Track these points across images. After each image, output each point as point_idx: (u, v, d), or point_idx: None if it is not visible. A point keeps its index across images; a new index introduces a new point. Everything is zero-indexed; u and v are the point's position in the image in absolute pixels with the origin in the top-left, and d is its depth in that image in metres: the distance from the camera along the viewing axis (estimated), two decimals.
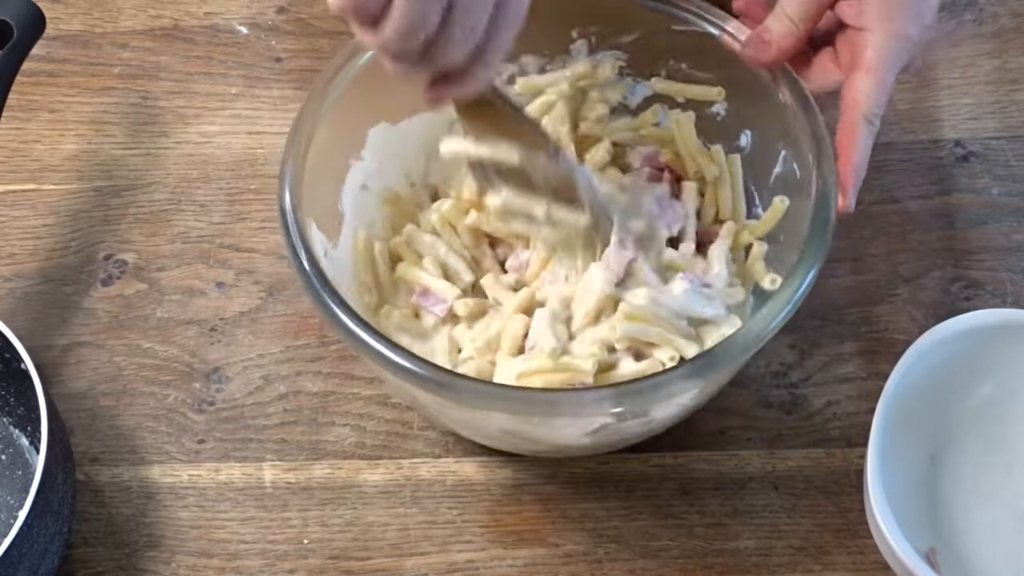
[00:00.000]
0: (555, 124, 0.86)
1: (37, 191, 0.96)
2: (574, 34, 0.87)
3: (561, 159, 0.81)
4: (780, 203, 0.83)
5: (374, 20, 0.68)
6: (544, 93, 0.87)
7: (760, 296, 0.82)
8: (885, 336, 0.88)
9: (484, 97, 0.76)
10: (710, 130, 0.87)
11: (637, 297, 0.79)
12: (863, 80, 0.78)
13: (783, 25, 0.80)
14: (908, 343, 0.81)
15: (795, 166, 0.81)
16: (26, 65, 0.88)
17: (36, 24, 0.88)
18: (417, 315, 0.83)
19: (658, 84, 0.87)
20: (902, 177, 0.94)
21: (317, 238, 0.79)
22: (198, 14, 1.04)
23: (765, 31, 0.80)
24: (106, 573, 0.82)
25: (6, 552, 0.73)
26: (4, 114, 0.86)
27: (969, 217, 0.93)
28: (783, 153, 0.82)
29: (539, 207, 0.80)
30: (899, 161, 0.95)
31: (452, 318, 0.83)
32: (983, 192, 0.93)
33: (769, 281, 0.81)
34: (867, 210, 0.93)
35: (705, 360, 0.73)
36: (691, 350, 0.77)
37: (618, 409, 0.74)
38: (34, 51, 0.89)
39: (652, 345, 0.78)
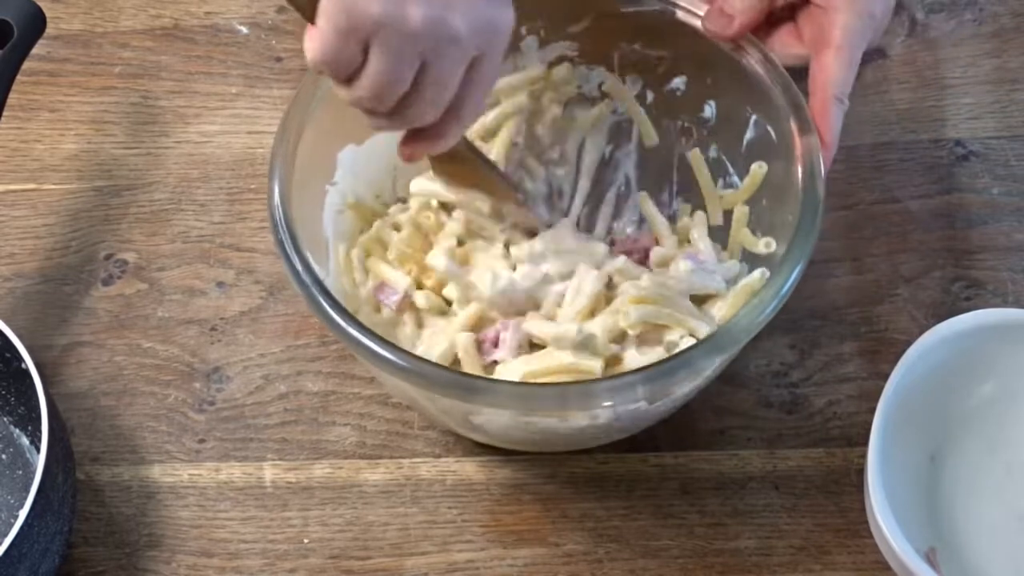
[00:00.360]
0: (510, 136, 0.86)
1: (37, 191, 0.96)
2: (523, 30, 0.86)
3: (529, 209, 0.83)
4: (758, 168, 0.83)
5: (348, 78, 0.69)
6: (499, 103, 0.87)
7: (753, 262, 0.82)
8: (885, 336, 0.88)
9: (456, 150, 0.77)
10: (672, 106, 0.87)
11: (641, 282, 0.79)
12: (833, 59, 0.78)
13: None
14: (908, 343, 0.81)
15: (768, 128, 0.81)
16: (26, 65, 0.88)
17: (36, 24, 0.88)
18: (379, 310, 0.83)
19: (608, 78, 0.88)
20: (902, 177, 0.94)
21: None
22: (198, 14, 1.04)
23: (727, 4, 0.81)
24: (106, 572, 0.82)
25: (7, 551, 0.73)
26: (4, 114, 0.86)
27: (969, 217, 0.92)
28: (753, 118, 0.82)
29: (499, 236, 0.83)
30: (899, 161, 0.95)
31: (413, 310, 0.83)
32: (983, 192, 0.93)
33: (764, 245, 0.81)
34: (867, 210, 0.93)
35: (726, 334, 0.73)
36: (703, 328, 0.78)
37: (648, 392, 0.73)
38: (34, 51, 0.89)
39: (661, 329, 0.79)
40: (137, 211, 0.95)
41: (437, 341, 0.81)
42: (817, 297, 0.88)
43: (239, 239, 0.94)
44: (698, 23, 0.82)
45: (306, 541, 0.83)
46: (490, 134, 0.86)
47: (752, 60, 0.81)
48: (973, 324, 0.82)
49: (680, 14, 0.82)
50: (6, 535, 0.73)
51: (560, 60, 0.87)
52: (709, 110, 0.86)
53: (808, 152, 0.78)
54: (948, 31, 1.00)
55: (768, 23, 0.82)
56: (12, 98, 0.87)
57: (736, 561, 0.81)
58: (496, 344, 0.80)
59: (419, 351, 0.80)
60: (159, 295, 0.92)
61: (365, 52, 0.68)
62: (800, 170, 0.77)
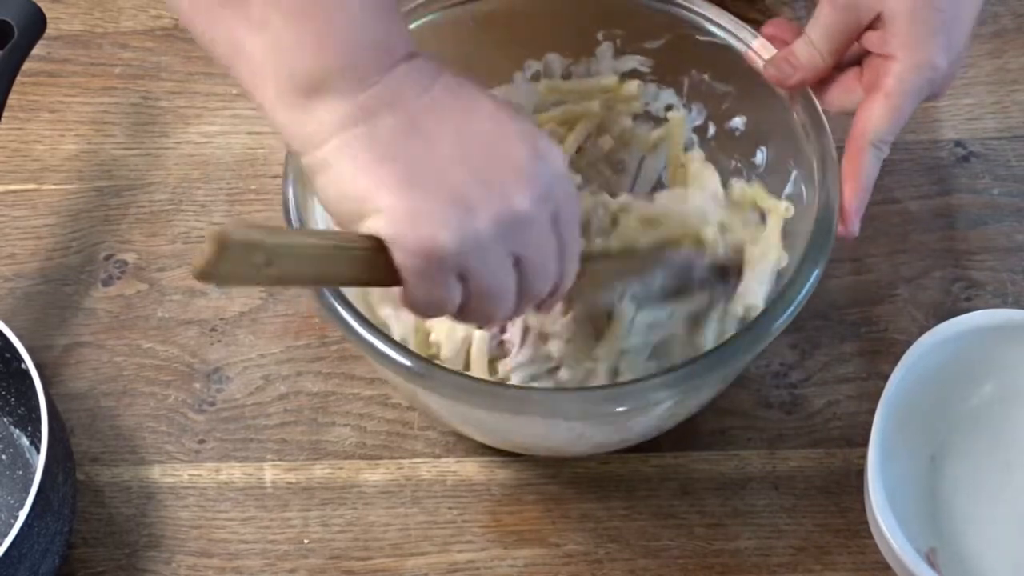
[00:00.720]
0: (576, 140, 0.87)
1: (38, 191, 0.96)
2: (600, 36, 0.86)
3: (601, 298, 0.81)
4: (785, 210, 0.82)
5: (457, 315, 0.68)
6: (567, 101, 0.87)
7: None
8: (886, 336, 0.88)
9: None
10: (727, 144, 0.87)
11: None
12: (877, 104, 0.76)
13: (810, 53, 0.79)
14: (909, 343, 0.81)
15: (803, 187, 0.80)
16: (27, 65, 0.88)
17: (37, 24, 0.88)
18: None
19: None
20: (903, 177, 0.94)
21: None
22: None
23: (792, 55, 0.79)
24: (106, 573, 0.82)
25: (7, 552, 0.73)
26: (5, 114, 0.86)
27: (970, 217, 0.93)
28: (794, 173, 0.81)
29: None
30: (899, 161, 0.95)
31: None
32: (984, 192, 0.93)
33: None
34: (867, 210, 0.92)
35: (732, 346, 0.73)
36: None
37: (677, 394, 0.74)
38: (35, 51, 0.89)
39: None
40: (137, 211, 0.95)
41: (449, 331, 0.81)
42: (817, 297, 0.87)
43: None
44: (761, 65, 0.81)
45: (306, 541, 0.83)
46: (557, 136, 0.87)
47: (800, 112, 0.80)
48: (973, 324, 0.82)
49: (750, 55, 0.82)
50: (6, 535, 0.73)
51: (632, 74, 0.87)
52: (761, 156, 0.85)
53: (824, 205, 0.77)
54: None
55: (837, 68, 0.80)
56: (12, 98, 0.87)
57: (736, 561, 0.81)
58: (503, 330, 0.80)
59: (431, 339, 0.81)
60: (159, 295, 0.92)
61: (461, 279, 0.65)
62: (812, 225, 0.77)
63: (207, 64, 1.01)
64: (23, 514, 0.73)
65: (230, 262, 0.59)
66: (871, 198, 0.92)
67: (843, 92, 0.79)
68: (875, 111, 0.76)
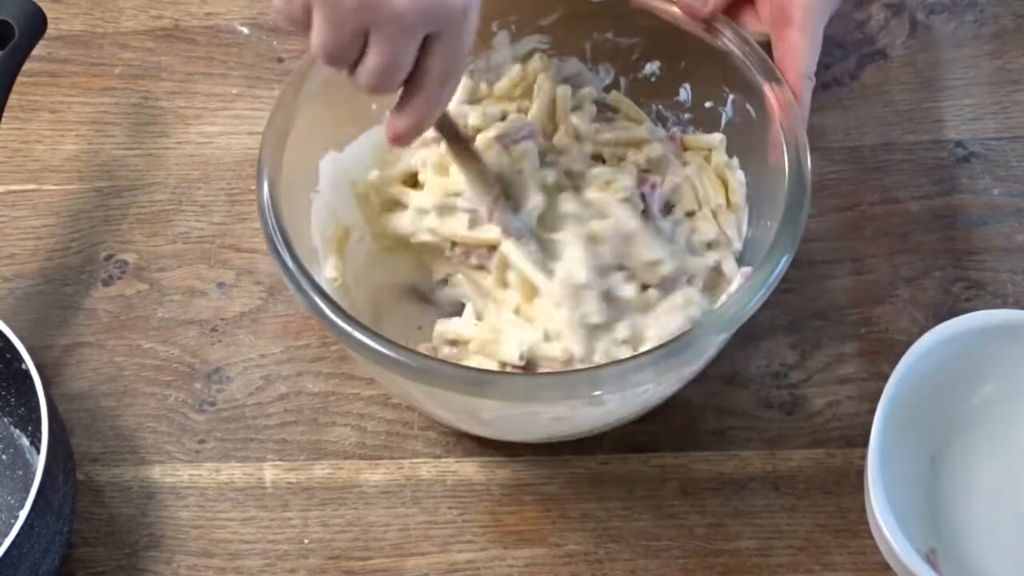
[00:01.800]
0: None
1: (38, 191, 0.96)
2: (494, 27, 0.87)
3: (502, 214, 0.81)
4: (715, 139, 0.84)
5: (351, 65, 0.71)
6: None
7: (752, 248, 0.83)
8: (886, 336, 0.88)
9: (444, 130, 0.77)
10: (646, 91, 0.87)
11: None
12: (798, 38, 0.79)
13: None
14: (909, 344, 0.81)
15: (748, 107, 0.81)
16: (27, 65, 0.88)
17: (37, 24, 0.88)
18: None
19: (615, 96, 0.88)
20: (903, 178, 0.94)
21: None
22: (199, 14, 1.04)
23: None
24: (107, 573, 0.82)
25: (7, 552, 0.73)
26: (5, 114, 0.86)
27: (970, 218, 0.93)
28: (731, 98, 0.83)
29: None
30: (900, 162, 0.95)
31: None
32: (984, 193, 0.93)
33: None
34: (868, 211, 0.93)
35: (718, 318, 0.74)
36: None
37: (661, 374, 0.74)
38: (35, 51, 0.89)
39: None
40: (137, 212, 0.95)
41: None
42: (817, 297, 0.88)
43: (239, 240, 0.94)
44: (668, 8, 0.83)
45: (306, 541, 0.83)
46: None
47: (726, 40, 0.81)
48: (973, 325, 0.82)
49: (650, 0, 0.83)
50: (6, 535, 0.73)
51: (532, 53, 0.87)
52: (684, 94, 0.86)
53: (792, 127, 0.78)
54: (949, 32, 1.01)
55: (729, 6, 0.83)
56: (13, 99, 0.87)
57: (736, 561, 0.81)
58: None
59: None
60: (159, 296, 0.92)
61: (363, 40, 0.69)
62: (785, 148, 0.78)
63: (207, 64, 1.01)
64: (23, 514, 0.73)
65: None
66: (871, 197, 0.93)
67: (748, 17, 0.83)
68: (796, 45, 0.79)
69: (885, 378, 0.80)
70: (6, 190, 0.97)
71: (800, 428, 0.85)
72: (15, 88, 0.87)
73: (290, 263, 0.75)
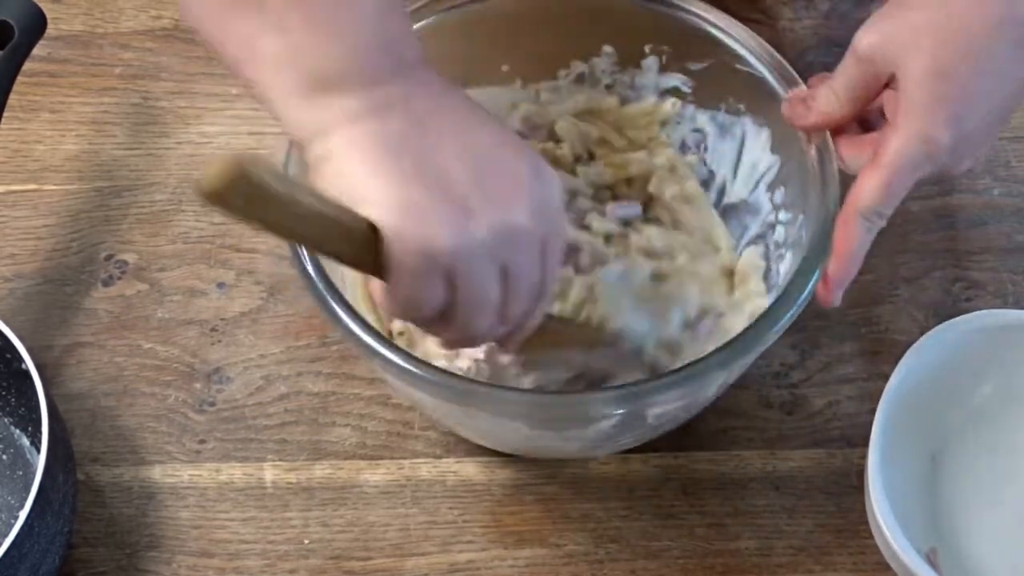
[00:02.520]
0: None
1: (38, 191, 0.96)
2: (647, 49, 0.87)
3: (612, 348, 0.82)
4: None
5: (434, 321, 0.68)
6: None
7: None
8: (886, 336, 0.88)
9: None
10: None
11: None
12: (870, 176, 0.73)
13: (827, 98, 0.76)
14: (909, 343, 0.81)
15: (803, 233, 0.80)
16: (27, 65, 0.88)
17: (37, 24, 0.88)
18: None
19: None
20: None
21: None
22: None
23: (811, 97, 0.77)
24: (107, 573, 0.82)
25: (7, 552, 0.73)
26: (5, 114, 0.86)
27: (970, 218, 0.93)
28: (801, 218, 0.81)
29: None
30: None
31: None
32: (984, 193, 0.93)
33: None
34: None
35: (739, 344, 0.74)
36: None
37: (683, 395, 0.74)
38: (35, 51, 0.89)
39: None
40: (138, 212, 0.95)
41: None
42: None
43: (239, 240, 0.94)
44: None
45: (306, 542, 0.83)
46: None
47: (813, 158, 0.79)
48: (973, 325, 0.82)
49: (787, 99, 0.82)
50: (6, 535, 0.73)
51: (674, 92, 0.88)
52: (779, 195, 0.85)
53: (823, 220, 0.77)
54: None
55: (862, 129, 0.78)
56: (13, 99, 0.87)
57: (736, 562, 0.81)
58: None
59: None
60: (159, 296, 0.92)
61: (448, 286, 0.66)
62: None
63: (207, 64, 1.01)
64: (23, 514, 0.73)
65: (235, 192, 0.59)
66: None
67: (853, 150, 0.76)
68: (867, 181, 0.73)
69: (885, 378, 0.80)
70: (6, 190, 0.97)
71: (800, 428, 0.85)
72: (15, 88, 0.87)
73: (312, 272, 0.75)
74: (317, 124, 0.65)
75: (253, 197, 0.60)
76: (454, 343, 0.71)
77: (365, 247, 0.64)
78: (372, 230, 0.64)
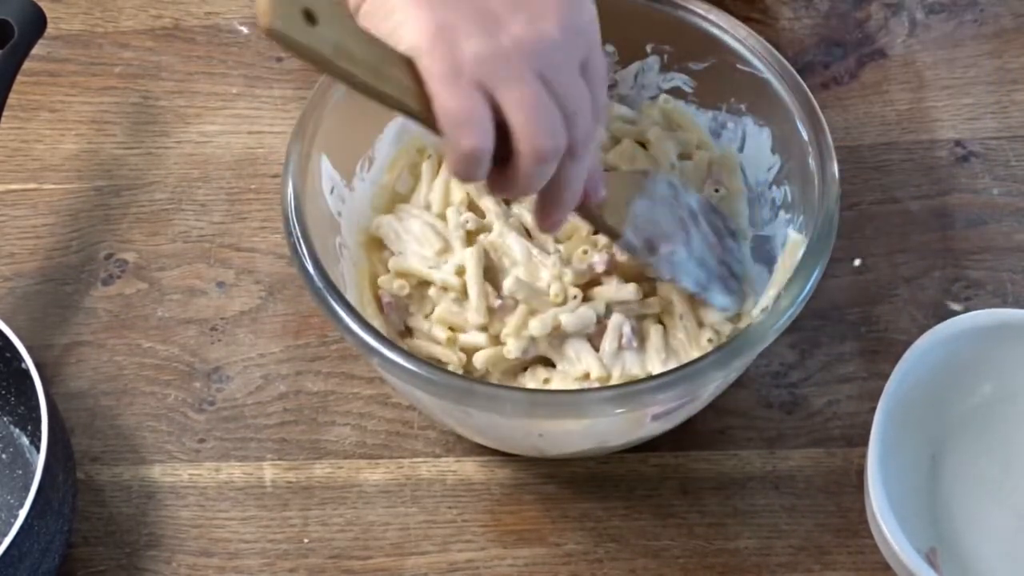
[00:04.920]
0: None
1: (38, 190, 0.96)
2: (648, 48, 0.87)
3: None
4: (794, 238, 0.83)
5: (502, 155, 0.66)
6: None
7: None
8: (885, 336, 0.88)
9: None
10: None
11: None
12: None
13: None
14: (908, 343, 0.81)
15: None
16: (27, 65, 0.88)
17: (37, 24, 0.88)
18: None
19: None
20: (902, 177, 0.94)
21: (327, 174, 0.80)
22: (199, 14, 1.04)
23: None
24: (107, 572, 0.82)
25: (7, 551, 0.73)
26: (5, 113, 0.86)
27: (969, 217, 0.93)
28: (801, 218, 0.82)
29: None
30: (899, 161, 0.95)
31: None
32: (983, 192, 0.94)
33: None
34: (867, 210, 0.93)
35: (735, 345, 0.74)
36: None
37: (682, 394, 0.74)
38: (35, 51, 0.89)
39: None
40: (137, 211, 0.95)
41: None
42: (817, 297, 0.87)
43: (239, 239, 0.94)
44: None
45: (306, 541, 0.83)
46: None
47: (812, 157, 0.80)
48: (973, 324, 0.82)
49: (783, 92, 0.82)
50: (6, 535, 0.73)
51: (675, 91, 0.88)
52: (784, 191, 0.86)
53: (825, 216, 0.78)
54: (948, 31, 1.01)
55: None
56: (12, 98, 0.87)
57: (736, 561, 0.81)
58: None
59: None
60: (159, 295, 0.92)
61: (494, 110, 0.65)
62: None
63: (207, 64, 1.01)
64: (23, 513, 0.73)
65: (280, 4, 0.61)
66: (870, 197, 0.93)
67: None
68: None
69: (885, 378, 0.80)
70: (6, 189, 0.97)
71: (800, 428, 0.85)
72: (15, 88, 0.87)
73: (312, 271, 0.75)
74: None
75: (297, 11, 0.62)
76: (528, 176, 0.67)
77: (410, 73, 0.65)
78: (412, 67, 0.65)
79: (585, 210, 0.76)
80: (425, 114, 0.66)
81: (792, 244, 0.81)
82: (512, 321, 0.79)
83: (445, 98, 0.65)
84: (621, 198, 0.79)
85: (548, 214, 0.72)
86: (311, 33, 0.63)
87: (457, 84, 0.64)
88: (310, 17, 0.63)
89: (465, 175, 0.67)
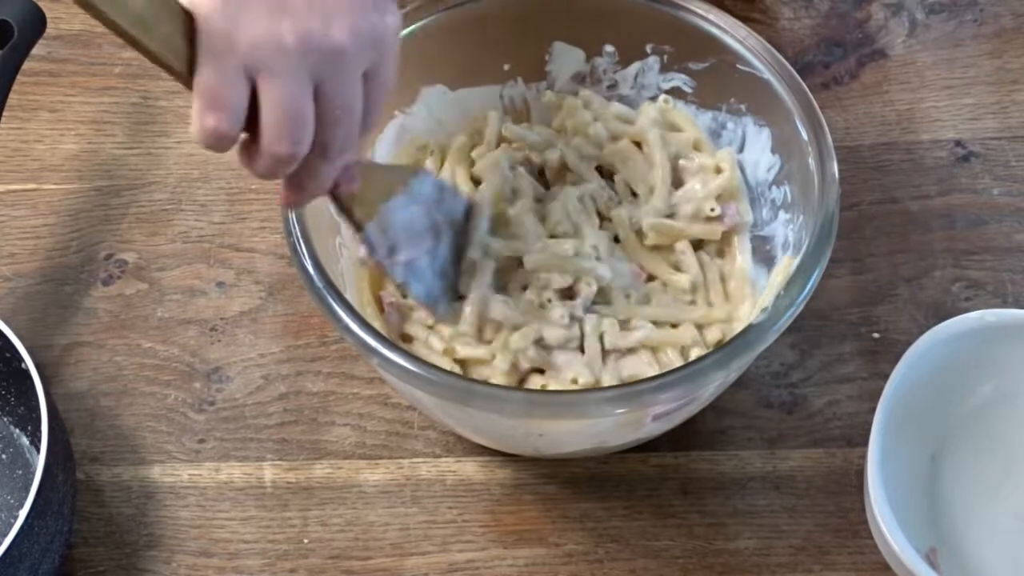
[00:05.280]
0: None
1: (38, 191, 0.96)
2: (648, 48, 0.87)
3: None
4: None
5: (249, 135, 0.66)
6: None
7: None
8: (885, 336, 0.88)
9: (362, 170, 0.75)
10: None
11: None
12: None
13: None
14: (909, 343, 0.81)
15: (803, 233, 0.80)
16: (27, 65, 0.88)
17: (37, 24, 0.88)
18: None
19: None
20: (903, 177, 0.94)
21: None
22: None
23: None
24: (107, 572, 0.82)
25: (7, 551, 0.73)
26: (5, 114, 0.86)
27: (969, 217, 0.93)
28: (801, 219, 0.82)
29: None
30: (900, 161, 0.95)
31: None
32: (983, 192, 0.94)
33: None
34: (867, 210, 0.93)
35: (733, 346, 0.74)
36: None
37: (682, 394, 0.74)
38: (35, 51, 0.89)
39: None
40: (137, 211, 0.95)
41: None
42: (817, 297, 0.87)
43: (239, 239, 0.94)
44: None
45: (306, 541, 0.83)
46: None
47: (812, 158, 0.81)
48: (973, 324, 0.82)
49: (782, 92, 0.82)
50: (6, 535, 0.73)
51: (675, 92, 0.88)
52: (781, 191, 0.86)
53: (824, 212, 0.78)
54: (948, 32, 1.01)
55: None
56: (12, 98, 0.87)
57: (736, 561, 0.81)
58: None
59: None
60: (159, 295, 0.92)
61: (254, 95, 0.64)
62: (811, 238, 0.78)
63: None
64: (23, 514, 0.73)
65: None
66: (870, 197, 0.93)
67: None
68: None
69: (885, 377, 0.80)
70: (6, 190, 0.97)
71: (800, 428, 0.85)
72: (15, 88, 0.87)
73: (311, 271, 0.75)
74: None
75: None
76: (266, 167, 0.66)
77: (184, 33, 0.64)
78: (189, 23, 0.64)
79: (335, 197, 0.75)
80: (187, 76, 0.65)
81: (784, 264, 0.81)
82: (500, 337, 0.79)
83: (207, 73, 0.64)
84: (378, 191, 0.77)
85: (289, 194, 0.71)
86: None
87: (224, 62, 0.63)
88: None
89: (206, 147, 0.66)
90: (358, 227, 0.76)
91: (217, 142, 0.65)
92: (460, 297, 0.80)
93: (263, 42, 0.63)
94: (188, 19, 0.64)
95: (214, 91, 0.64)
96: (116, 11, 0.63)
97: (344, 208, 0.75)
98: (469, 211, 0.82)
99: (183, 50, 0.64)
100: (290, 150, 0.66)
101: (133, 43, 0.64)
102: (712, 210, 0.84)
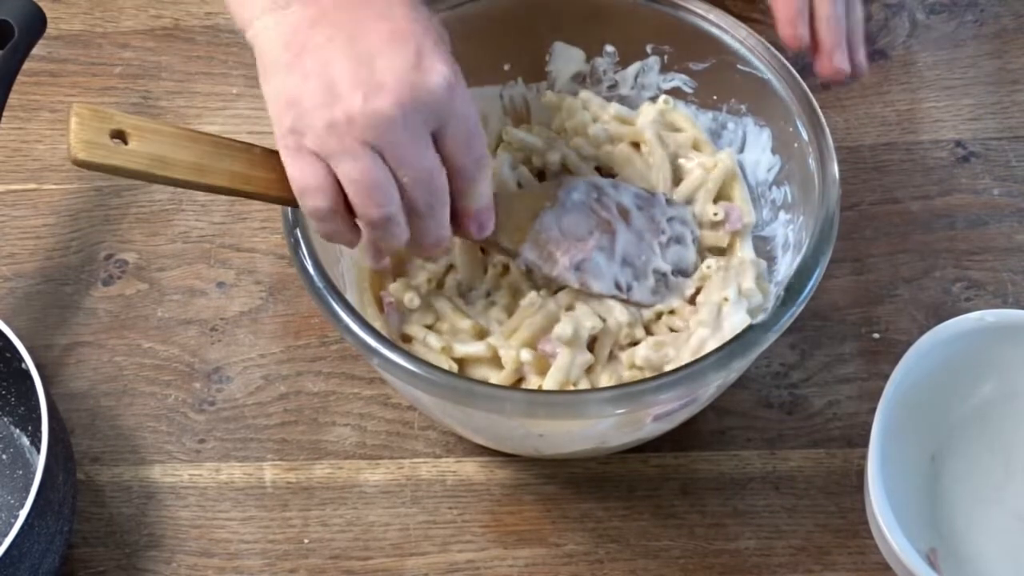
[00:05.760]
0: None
1: (38, 191, 0.96)
2: (648, 48, 0.87)
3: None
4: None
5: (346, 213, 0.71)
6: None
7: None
8: (885, 336, 0.88)
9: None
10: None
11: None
12: None
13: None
14: (909, 343, 0.81)
15: (803, 234, 0.80)
16: (27, 65, 0.88)
17: (37, 24, 0.88)
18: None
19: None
20: (903, 177, 0.94)
21: None
22: (199, 14, 1.04)
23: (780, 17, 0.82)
24: (107, 572, 0.82)
25: (7, 551, 0.73)
26: (5, 114, 0.86)
27: (970, 217, 0.93)
28: (801, 219, 0.82)
29: None
30: (900, 162, 0.95)
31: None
32: (984, 193, 0.93)
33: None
34: (868, 210, 0.93)
35: (732, 348, 0.73)
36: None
37: (682, 395, 0.74)
38: (35, 51, 0.89)
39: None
40: (137, 211, 0.95)
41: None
42: (817, 297, 0.87)
43: (239, 239, 0.94)
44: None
45: (306, 541, 0.83)
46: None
47: (812, 158, 0.81)
48: (973, 325, 0.82)
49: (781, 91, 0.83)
50: (6, 535, 0.73)
51: (676, 92, 0.88)
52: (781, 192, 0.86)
53: (824, 203, 0.78)
54: (949, 32, 1.01)
55: None
56: (13, 98, 0.87)
57: (736, 561, 0.81)
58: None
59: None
60: (159, 295, 0.92)
61: (332, 176, 0.69)
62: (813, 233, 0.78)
63: (207, 64, 1.01)
64: (23, 514, 0.73)
65: (87, 131, 0.65)
66: (871, 197, 0.93)
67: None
68: None
69: (885, 378, 0.80)
70: (6, 190, 0.97)
71: (800, 428, 0.85)
72: (15, 88, 0.87)
73: (312, 271, 0.76)
74: (242, 14, 0.73)
75: (105, 133, 0.66)
76: (371, 234, 0.73)
77: (256, 160, 0.72)
78: (260, 148, 0.72)
79: (481, 242, 0.78)
80: (260, 193, 0.72)
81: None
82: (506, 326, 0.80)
83: (289, 166, 0.70)
84: (524, 215, 0.80)
85: (419, 254, 0.80)
86: (124, 153, 0.67)
87: (299, 154, 0.70)
88: (120, 136, 0.66)
89: (321, 233, 0.73)
90: (511, 255, 0.80)
91: (326, 220, 0.71)
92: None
93: (321, 130, 0.68)
94: (247, 148, 0.72)
95: (300, 179, 0.70)
96: (170, 171, 0.70)
97: (492, 244, 0.79)
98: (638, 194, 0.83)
99: (245, 175, 0.72)
100: (378, 213, 0.70)
101: (195, 187, 0.72)
102: (715, 215, 0.84)
